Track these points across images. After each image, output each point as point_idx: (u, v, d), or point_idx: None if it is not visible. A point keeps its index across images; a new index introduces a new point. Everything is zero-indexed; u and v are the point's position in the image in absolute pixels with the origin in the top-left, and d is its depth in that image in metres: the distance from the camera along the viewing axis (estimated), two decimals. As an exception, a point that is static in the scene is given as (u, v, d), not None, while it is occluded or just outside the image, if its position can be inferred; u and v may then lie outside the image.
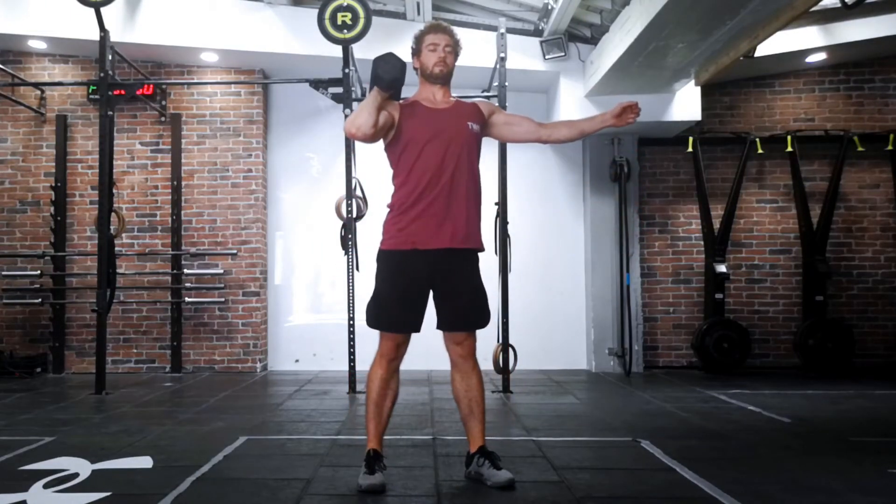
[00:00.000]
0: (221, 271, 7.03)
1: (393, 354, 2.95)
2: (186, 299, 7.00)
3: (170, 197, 7.09)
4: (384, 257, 2.99)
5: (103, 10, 5.79)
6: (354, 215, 5.73)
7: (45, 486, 3.02)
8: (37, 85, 6.95)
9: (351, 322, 5.65)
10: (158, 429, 4.22)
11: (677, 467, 3.28)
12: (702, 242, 7.17)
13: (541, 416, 4.69)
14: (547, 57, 6.56)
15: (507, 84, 5.79)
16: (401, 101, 3.02)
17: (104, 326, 5.82)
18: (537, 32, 6.73)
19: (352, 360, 5.66)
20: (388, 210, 3.03)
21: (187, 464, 3.34)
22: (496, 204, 5.80)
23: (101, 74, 5.87)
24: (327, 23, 5.61)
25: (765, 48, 5.94)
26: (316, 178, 7.41)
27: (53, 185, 7.06)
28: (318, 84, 6.01)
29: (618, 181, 7.01)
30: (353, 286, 5.63)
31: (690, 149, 7.02)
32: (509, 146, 5.88)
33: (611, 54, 5.86)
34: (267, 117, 7.39)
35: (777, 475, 3.17)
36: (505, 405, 5.08)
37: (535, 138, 3.16)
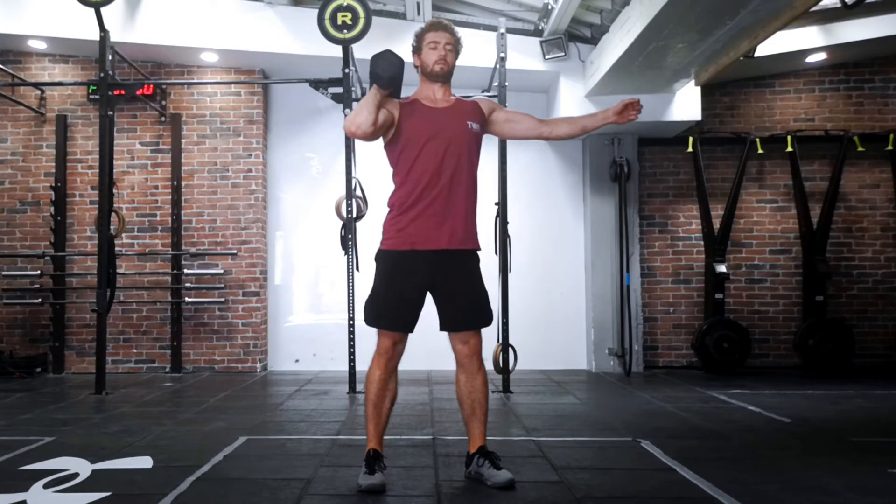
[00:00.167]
0: (221, 271, 7.04)
1: (390, 353, 2.95)
2: (186, 299, 7.00)
3: (170, 197, 7.09)
4: (383, 257, 2.99)
5: (103, 10, 5.79)
6: (354, 215, 5.74)
7: (45, 486, 3.02)
8: (37, 85, 6.95)
9: (351, 322, 5.65)
10: (158, 429, 4.23)
11: (677, 467, 3.28)
12: (702, 242, 7.17)
13: (541, 416, 4.69)
14: (547, 57, 6.56)
15: (507, 84, 5.79)
16: (401, 100, 3.01)
17: (104, 326, 5.82)
18: (537, 32, 6.73)
19: (352, 360, 5.66)
20: (387, 209, 3.03)
21: (187, 464, 3.34)
22: (496, 204, 5.80)
23: (101, 74, 5.87)
24: (327, 23, 5.61)
25: (765, 48, 5.94)
26: (316, 178, 7.41)
27: (53, 185, 7.06)
28: (318, 84, 6.01)
29: (618, 181, 7.01)
30: (353, 286, 5.64)
31: (690, 149, 7.02)
32: (509, 146, 5.88)
33: (611, 54, 5.86)
34: (267, 117, 7.39)
35: (777, 475, 3.17)
36: (505, 405, 5.09)
37: (537, 135, 3.15)
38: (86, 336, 6.95)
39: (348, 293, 5.67)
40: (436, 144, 2.92)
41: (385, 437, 3.08)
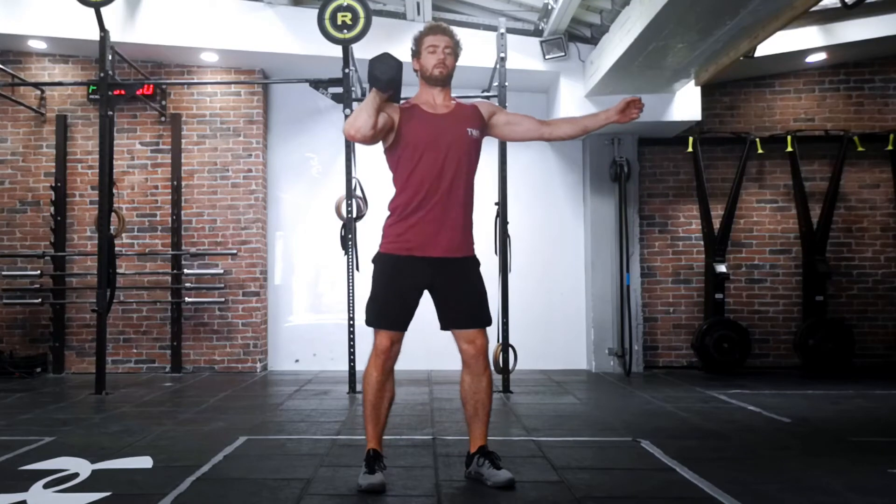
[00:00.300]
0: (221, 271, 7.04)
1: (387, 353, 2.93)
2: (186, 299, 7.00)
3: (170, 197, 7.09)
4: (381, 259, 3.00)
5: (103, 10, 5.79)
6: (354, 215, 5.74)
7: (45, 486, 3.02)
8: (37, 85, 6.95)
9: (351, 322, 5.65)
10: (158, 429, 4.23)
11: (677, 467, 3.28)
12: (702, 242, 7.17)
13: (541, 416, 4.69)
14: (547, 57, 6.56)
15: (507, 84, 5.79)
16: (400, 104, 3.00)
17: (104, 326, 5.82)
18: (537, 32, 6.73)
19: (352, 360, 5.66)
20: (388, 213, 3.03)
21: (187, 464, 3.34)
22: (496, 204, 5.80)
23: (101, 74, 5.88)
24: (327, 23, 5.61)
25: (765, 48, 5.94)
26: (316, 178, 7.41)
27: (53, 185, 7.06)
28: (318, 84, 6.01)
29: (618, 181, 7.01)
30: (353, 286, 5.64)
31: (690, 149, 7.02)
32: (509, 146, 5.88)
33: (611, 54, 5.86)
34: (267, 117, 7.39)
35: (777, 475, 3.17)
36: (505, 405, 5.08)
37: (538, 136, 3.13)
38: (86, 336, 6.95)
39: (348, 293, 5.67)
40: (435, 151, 2.91)
41: (385, 437, 3.08)
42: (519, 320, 6.20)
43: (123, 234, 6.86)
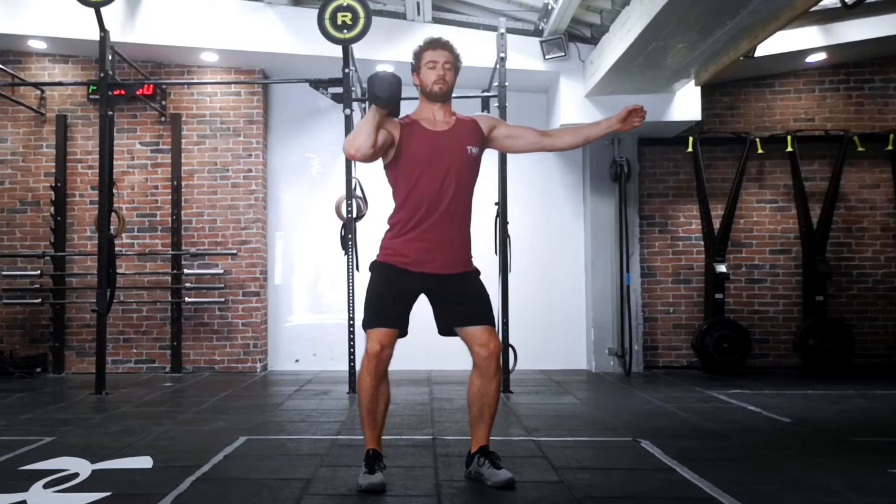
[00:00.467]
0: (221, 271, 7.04)
1: (378, 357, 2.86)
2: (186, 299, 7.00)
3: (170, 197, 7.09)
4: (378, 266, 3.01)
5: (103, 10, 5.79)
6: (354, 215, 5.74)
7: (45, 486, 3.02)
8: (37, 85, 6.95)
9: (351, 322, 5.65)
10: (158, 429, 4.23)
11: (677, 467, 3.28)
12: (702, 242, 7.17)
13: (541, 416, 4.69)
14: (547, 57, 6.56)
15: (507, 84, 5.79)
16: (401, 120, 2.98)
17: (104, 326, 5.82)
18: (537, 32, 6.73)
19: (352, 360, 5.66)
20: (387, 227, 3.04)
21: (187, 464, 3.34)
22: (496, 204, 5.80)
23: (101, 74, 5.88)
24: (327, 23, 5.61)
25: (765, 48, 5.93)
26: (316, 178, 7.41)
27: (53, 185, 7.06)
28: (318, 84, 6.02)
29: (618, 181, 7.01)
30: (353, 286, 5.63)
31: (690, 149, 7.02)
32: (509, 146, 5.87)
33: (611, 54, 5.86)
34: (267, 117, 7.39)
35: (777, 475, 3.17)
36: (505, 405, 5.08)
37: (539, 148, 3.13)
38: (86, 336, 6.95)
39: (348, 293, 5.67)
40: (434, 170, 2.91)
41: (385, 437, 3.08)
42: (519, 320, 6.20)
43: (123, 234, 6.87)
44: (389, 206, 3.06)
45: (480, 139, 3.04)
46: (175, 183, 7.08)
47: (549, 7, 6.22)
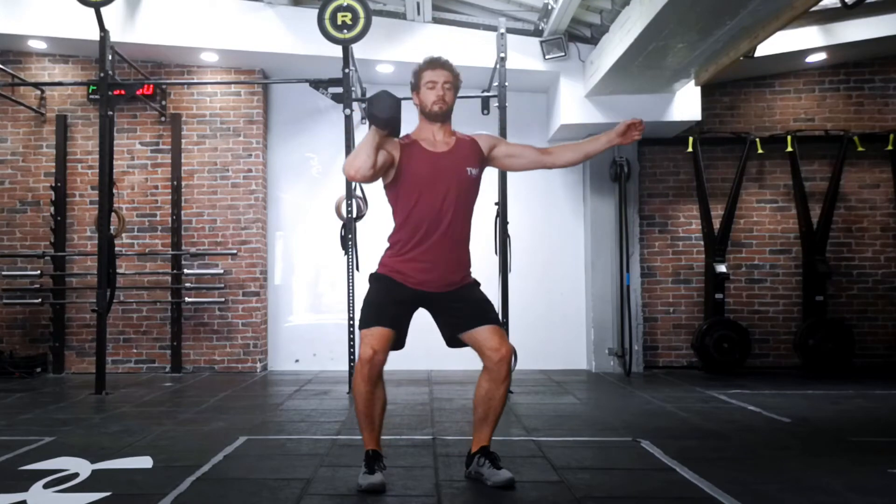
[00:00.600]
0: (221, 271, 7.04)
1: (371, 363, 2.81)
2: (186, 299, 7.00)
3: (170, 197, 7.09)
4: (377, 276, 3.01)
5: (103, 10, 5.80)
6: (354, 215, 5.74)
7: (45, 486, 3.02)
8: (37, 85, 6.95)
9: (351, 322, 5.65)
10: (158, 429, 4.23)
11: (677, 467, 3.28)
12: (702, 242, 7.17)
13: (541, 416, 4.69)
14: (547, 57, 6.56)
15: (507, 84, 5.80)
16: (401, 140, 2.96)
17: (104, 326, 5.82)
18: (537, 32, 6.73)
19: (352, 360, 5.65)
20: (387, 244, 3.04)
21: (187, 464, 3.35)
22: (496, 204, 5.80)
23: (101, 74, 5.88)
24: (327, 23, 5.61)
25: (765, 48, 5.94)
26: (316, 178, 7.41)
27: (53, 185, 7.06)
28: (318, 84, 6.01)
29: (618, 181, 7.01)
30: (353, 286, 5.63)
31: (690, 149, 7.02)
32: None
33: (611, 54, 5.86)
34: (267, 117, 7.39)
35: (777, 475, 3.17)
36: (505, 405, 5.07)
37: (540, 166, 3.15)
38: (86, 336, 6.95)
39: (348, 293, 5.67)
40: (434, 191, 2.91)
41: (385, 437, 3.08)
42: (519, 320, 6.20)
43: (123, 234, 6.87)
44: (389, 206, 3.06)
45: (480, 159, 3.04)
46: (175, 183, 7.08)
47: (549, 7, 6.22)
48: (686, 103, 6.61)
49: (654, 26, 4.98)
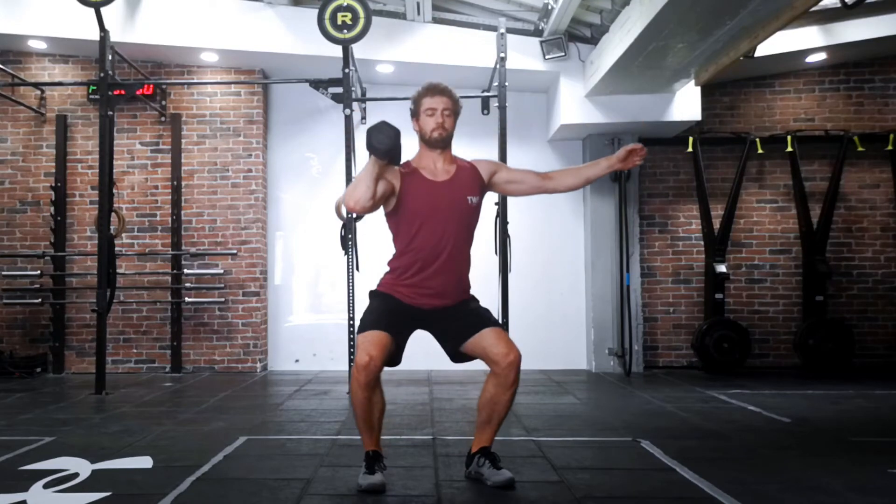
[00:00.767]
0: (221, 271, 7.04)
1: (367, 369, 2.76)
2: (186, 299, 7.00)
3: (170, 197, 7.09)
4: (376, 294, 3.02)
5: (103, 10, 5.80)
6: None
7: (45, 486, 3.02)
8: (37, 85, 6.95)
9: (351, 322, 5.64)
10: (158, 429, 4.23)
11: (677, 467, 3.28)
12: (702, 242, 7.17)
13: (541, 416, 4.69)
14: (547, 57, 6.56)
15: (507, 84, 5.80)
16: (401, 168, 2.94)
17: (104, 326, 5.82)
18: (537, 32, 6.73)
19: (352, 361, 5.65)
20: (387, 268, 3.04)
21: (187, 464, 3.35)
22: (496, 204, 5.80)
23: (101, 74, 5.88)
24: (327, 23, 5.61)
25: (765, 48, 5.94)
26: (316, 178, 7.41)
27: (53, 185, 7.06)
28: (318, 84, 6.01)
29: (618, 181, 7.01)
30: (353, 286, 5.63)
31: (690, 149, 7.02)
32: (508, 144, 5.90)
33: (611, 54, 5.86)
34: (267, 117, 7.39)
35: (777, 475, 3.17)
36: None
37: (541, 191, 3.14)
38: (86, 336, 6.95)
39: (348, 293, 5.67)
40: (435, 222, 2.91)
41: (385, 437, 3.08)
42: (519, 320, 6.20)
43: (123, 234, 6.87)
44: (390, 233, 3.08)
45: (481, 187, 3.04)
46: (175, 183, 7.08)
47: (549, 7, 6.22)
48: (686, 103, 6.61)
49: (654, 26, 4.98)
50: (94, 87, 6.47)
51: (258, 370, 7.03)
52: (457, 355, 3.01)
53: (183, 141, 7.14)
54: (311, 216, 7.33)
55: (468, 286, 3.05)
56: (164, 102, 7.12)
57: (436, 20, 6.75)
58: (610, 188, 7.10)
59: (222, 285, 7.03)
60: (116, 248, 6.26)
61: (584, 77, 6.68)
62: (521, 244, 6.36)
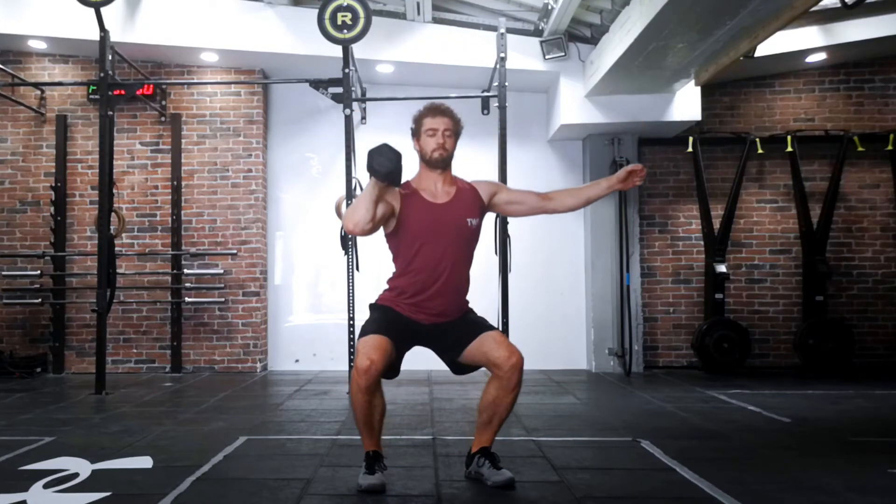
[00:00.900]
0: (221, 271, 7.04)
1: (367, 373, 2.75)
2: (186, 299, 7.00)
3: (170, 197, 7.09)
4: (376, 306, 3.02)
5: (103, 10, 5.79)
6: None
7: (45, 486, 3.02)
8: (37, 85, 6.95)
9: (351, 322, 5.64)
10: (158, 429, 4.23)
11: (677, 467, 3.28)
12: (702, 242, 7.17)
13: (541, 416, 4.69)
14: (547, 57, 6.56)
15: (507, 84, 5.80)
16: (401, 189, 2.94)
17: (104, 326, 5.82)
18: (537, 32, 6.73)
19: (352, 360, 5.65)
20: (386, 286, 3.05)
21: (187, 464, 3.35)
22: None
23: (101, 74, 5.88)
24: (327, 23, 5.60)
25: (765, 48, 5.94)
26: (316, 178, 7.41)
27: (53, 185, 7.06)
28: (318, 84, 6.01)
29: (618, 181, 7.00)
30: (353, 286, 5.63)
31: (690, 149, 7.02)
32: (508, 143, 5.89)
33: (611, 54, 5.86)
34: (267, 117, 7.39)
35: (777, 475, 3.17)
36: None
37: (541, 212, 3.17)
38: (86, 336, 6.95)
39: (348, 293, 5.67)
40: (434, 244, 2.92)
41: (385, 437, 3.08)
42: (519, 320, 6.20)
43: (123, 234, 6.87)
44: (390, 252, 3.08)
45: (481, 208, 3.05)
46: (175, 183, 7.08)
47: (549, 7, 6.22)
48: (686, 103, 6.61)
49: (654, 26, 4.98)
50: (94, 87, 6.47)
51: (258, 370, 7.03)
52: (458, 366, 3.02)
53: (183, 141, 7.13)
54: (311, 216, 7.33)
55: (466, 303, 3.07)
56: (164, 102, 7.12)
57: (436, 20, 6.75)
58: (610, 188, 7.09)
59: (222, 285, 7.03)
60: (116, 248, 6.27)
61: (584, 77, 6.68)
62: (521, 244, 6.35)
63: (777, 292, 7.25)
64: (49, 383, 6.39)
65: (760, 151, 7.05)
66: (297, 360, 7.31)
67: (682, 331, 7.25)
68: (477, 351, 2.92)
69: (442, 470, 3.25)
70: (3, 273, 7.01)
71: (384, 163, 2.71)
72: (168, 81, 7.08)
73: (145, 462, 3.41)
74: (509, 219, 5.82)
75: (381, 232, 3.05)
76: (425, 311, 2.94)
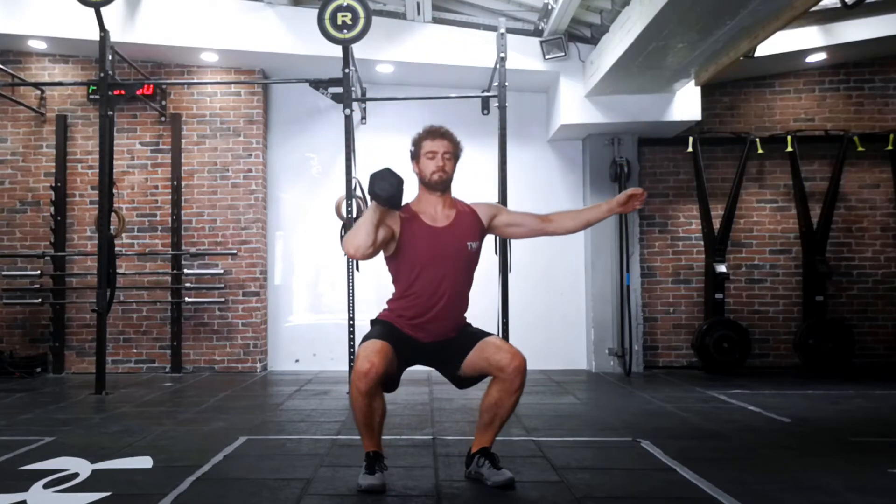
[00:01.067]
0: (221, 271, 7.04)
1: (367, 376, 2.75)
2: (186, 299, 7.00)
3: (170, 197, 7.09)
4: (377, 321, 3.04)
5: (103, 10, 5.79)
6: (354, 215, 5.73)
7: (45, 486, 3.02)
8: (37, 85, 6.95)
9: (351, 322, 5.64)
10: (158, 429, 4.23)
11: (677, 467, 3.28)
12: (702, 242, 7.17)
13: (541, 416, 4.69)
14: (547, 57, 6.56)
15: (507, 84, 5.79)
16: (401, 213, 2.94)
17: (104, 326, 5.82)
18: (537, 32, 6.73)
19: (352, 361, 5.65)
20: (386, 306, 3.06)
21: (187, 464, 3.35)
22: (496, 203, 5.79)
23: (101, 74, 5.88)
24: (327, 23, 5.60)
25: (765, 48, 5.94)
26: (316, 178, 7.41)
27: (53, 185, 7.06)
28: (318, 84, 6.01)
29: (618, 181, 7.01)
30: (353, 286, 5.63)
31: (690, 149, 7.02)
32: (508, 143, 5.89)
33: (611, 54, 5.86)
34: (267, 117, 7.39)
35: (777, 475, 3.17)
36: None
37: (541, 234, 3.17)
38: (86, 336, 6.95)
39: (348, 293, 5.67)
40: (434, 268, 2.92)
41: (385, 437, 3.08)
42: (519, 320, 6.20)
43: (123, 234, 6.88)
44: (390, 275, 3.09)
45: (480, 231, 3.05)
46: (175, 183, 7.08)
47: (549, 7, 6.22)
48: (686, 103, 6.61)
49: (654, 26, 4.98)
50: (94, 87, 6.47)
51: (258, 370, 7.03)
52: (460, 379, 3.03)
53: (183, 141, 7.14)
54: (311, 216, 7.33)
55: (464, 320, 3.08)
56: (164, 102, 7.12)
57: (436, 20, 6.75)
58: (610, 188, 7.10)
59: (222, 285, 7.03)
60: (116, 248, 6.27)
61: (584, 77, 6.68)
62: (521, 244, 6.32)
63: (777, 292, 7.25)
64: (49, 383, 6.39)
65: (760, 151, 7.05)
66: (297, 360, 7.31)
67: (682, 331, 7.25)
68: (479, 357, 2.92)
69: (442, 470, 3.25)
70: (3, 273, 7.01)
71: (386, 187, 2.71)
72: (168, 81, 7.08)
73: (145, 462, 3.41)
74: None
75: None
76: (425, 331, 2.96)
